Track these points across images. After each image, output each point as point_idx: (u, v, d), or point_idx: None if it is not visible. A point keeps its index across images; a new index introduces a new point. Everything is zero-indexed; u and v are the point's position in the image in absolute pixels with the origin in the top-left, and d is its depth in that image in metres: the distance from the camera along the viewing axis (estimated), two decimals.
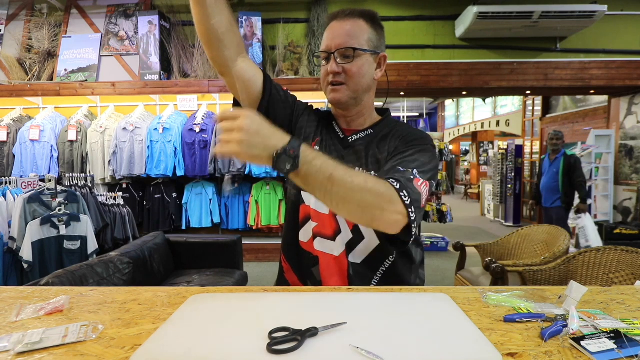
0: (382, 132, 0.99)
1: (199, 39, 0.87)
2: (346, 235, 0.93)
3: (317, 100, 4.49)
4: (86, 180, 3.17)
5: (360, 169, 0.94)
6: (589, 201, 4.79)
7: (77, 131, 4.25)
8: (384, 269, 0.94)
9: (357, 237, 0.93)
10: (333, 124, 1.03)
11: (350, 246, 0.93)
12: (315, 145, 1.00)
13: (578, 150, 4.85)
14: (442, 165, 9.03)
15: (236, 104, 0.99)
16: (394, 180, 0.76)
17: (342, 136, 1.01)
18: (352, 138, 0.99)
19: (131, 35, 4.66)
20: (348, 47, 0.91)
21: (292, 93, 1.06)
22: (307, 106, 1.08)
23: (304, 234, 0.97)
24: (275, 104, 0.97)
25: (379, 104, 1.09)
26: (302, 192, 0.97)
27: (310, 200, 0.96)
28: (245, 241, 3.77)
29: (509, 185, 7.31)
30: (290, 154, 0.68)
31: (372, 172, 0.93)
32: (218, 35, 0.85)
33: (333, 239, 0.94)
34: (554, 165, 4.22)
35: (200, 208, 4.42)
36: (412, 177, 0.79)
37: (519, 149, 7.34)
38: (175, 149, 4.22)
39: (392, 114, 1.07)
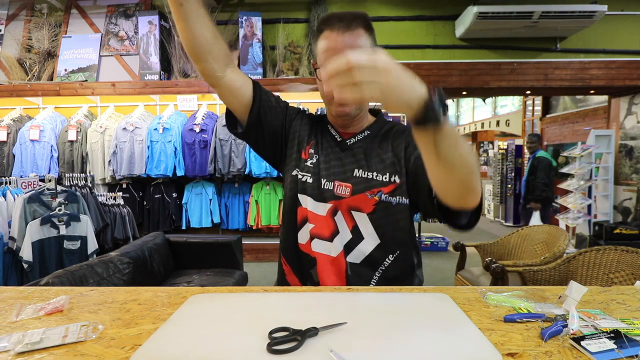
0: (380, 131, 1.01)
1: (187, 53, 0.88)
2: (345, 236, 0.94)
3: (317, 100, 4.49)
4: (86, 180, 3.17)
5: (361, 170, 0.96)
6: (589, 201, 4.80)
7: (77, 131, 4.25)
8: (383, 269, 0.95)
9: (357, 237, 0.94)
10: (328, 128, 1.04)
11: (349, 247, 0.94)
12: (310, 148, 1.01)
13: (578, 150, 4.85)
14: None
15: (229, 114, 1.00)
16: None
17: (339, 139, 1.02)
18: (350, 141, 1.00)
19: (131, 35, 4.66)
20: None
21: (291, 93, 1.08)
22: (299, 110, 1.09)
23: (302, 236, 0.98)
24: (266, 110, 0.98)
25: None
26: (298, 194, 0.98)
27: (307, 202, 0.97)
28: (245, 241, 3.77)
29: (509, 185, 7.31)
30: (443, 97, 0.60)
31: (375, 173, 0.95)
32: (204, 48, 0.85)
33: (330, 240, 0.94)
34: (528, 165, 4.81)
35: (200, 208, 4.42)
36: None
37: (519, 149, 7.34)
38: (175, 149, 4.22)
39: (392, 114, 1.10)
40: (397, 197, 0.94)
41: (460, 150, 0.65)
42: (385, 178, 0.94)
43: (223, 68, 0.90)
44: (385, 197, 0.93)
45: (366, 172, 0.95)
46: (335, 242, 0.94)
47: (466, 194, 0.73)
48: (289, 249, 1.00)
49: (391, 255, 0.95)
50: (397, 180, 0.94)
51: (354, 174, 0.96)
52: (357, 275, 0.93)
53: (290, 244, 1.00)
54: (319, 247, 0.95)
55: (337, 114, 0.96)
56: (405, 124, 1.06)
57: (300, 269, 0.99)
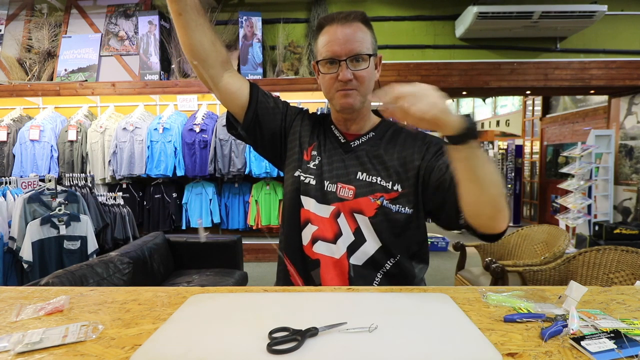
0: (386, 133, 1.00)
1: (186, 58, 0.92)
2: (348, 238, 0.94)
3: (317, 100, 4.49)
4: (86, 180, 3.17)
5: (365, 174, 0.95)
6: (589, 201, 4.80)
7: (77, 131, 4.25)
8: (384, 271, 0.94)
9: (359, 239, 0.93)
10: (332, 128, 1.04)
11: (352, 249, 0.93)
12: (312, 149, 1.01)
13: (578, 150, 4.85)
14: None
15: (229, 115, 1.03)
16: None
17: (343, 140, 1.01)
18: (354, 143, 1.00)
19: (131, 35, 4.65)
20: (363, 53, 0.90)
21: (291, 93, 1.08)
22: (300, 110, 1.09)
23: (304, 238, 0.97)
24: (263, 111, 1.00)
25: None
26: (301, 196, 0.98)
27: (309, 204, 0.97)
28: (245, 241, 3.77)
29: (509, 185, 7.32)
30: (474, 118, 0.71)
31: (379, 178, 0.94)
32: (201, 56, 0.90)
33: (334, 241, 0.94)
34: None
35: (200, 208, 4.42)
36: None
37: (519, 149, 7.34)
38: (175, 149, 4.22)
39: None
40: (398, 206, 0.93)
41: (490, 169, 0.74)
42: (388, 185, 0.93)
43: (220, 73, 0.94)
44: (386, 204, 0.92)
45: (370, 176, 0.94)
46: (338, 244, 0.94)
47: (496, 214, 0.79)
48: (292, 250, 1.00)
49: (392, 259, 0.94)
50: (400, 189, 0.93)
51: (357, 177, 0.95)
52: (360, 277, 0.93)
53: (293, 244, 0.99)
54: (322, 249, 0.95)
55: (341, 107, 0.95)
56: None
57: (303, 270, 0.99)
